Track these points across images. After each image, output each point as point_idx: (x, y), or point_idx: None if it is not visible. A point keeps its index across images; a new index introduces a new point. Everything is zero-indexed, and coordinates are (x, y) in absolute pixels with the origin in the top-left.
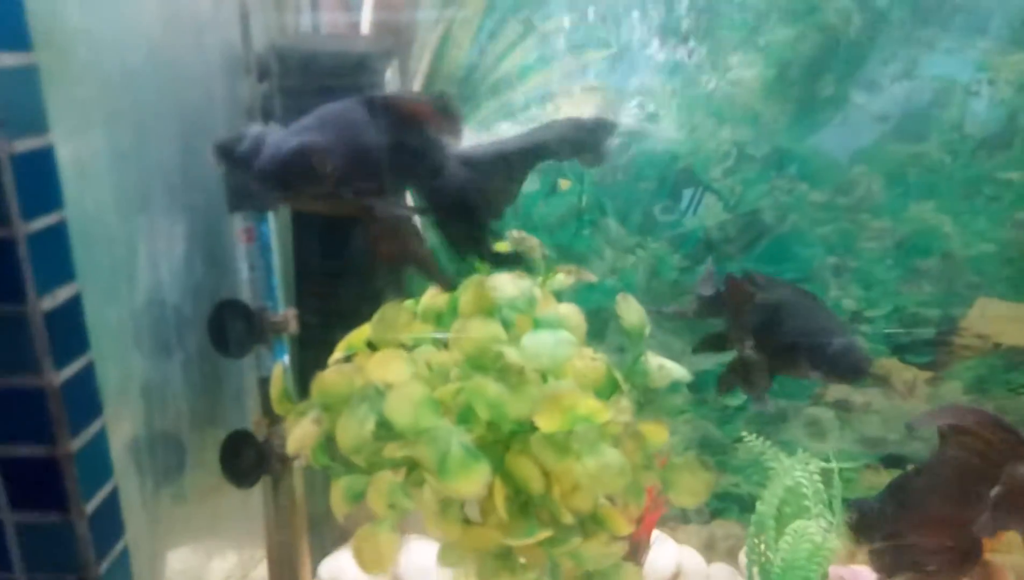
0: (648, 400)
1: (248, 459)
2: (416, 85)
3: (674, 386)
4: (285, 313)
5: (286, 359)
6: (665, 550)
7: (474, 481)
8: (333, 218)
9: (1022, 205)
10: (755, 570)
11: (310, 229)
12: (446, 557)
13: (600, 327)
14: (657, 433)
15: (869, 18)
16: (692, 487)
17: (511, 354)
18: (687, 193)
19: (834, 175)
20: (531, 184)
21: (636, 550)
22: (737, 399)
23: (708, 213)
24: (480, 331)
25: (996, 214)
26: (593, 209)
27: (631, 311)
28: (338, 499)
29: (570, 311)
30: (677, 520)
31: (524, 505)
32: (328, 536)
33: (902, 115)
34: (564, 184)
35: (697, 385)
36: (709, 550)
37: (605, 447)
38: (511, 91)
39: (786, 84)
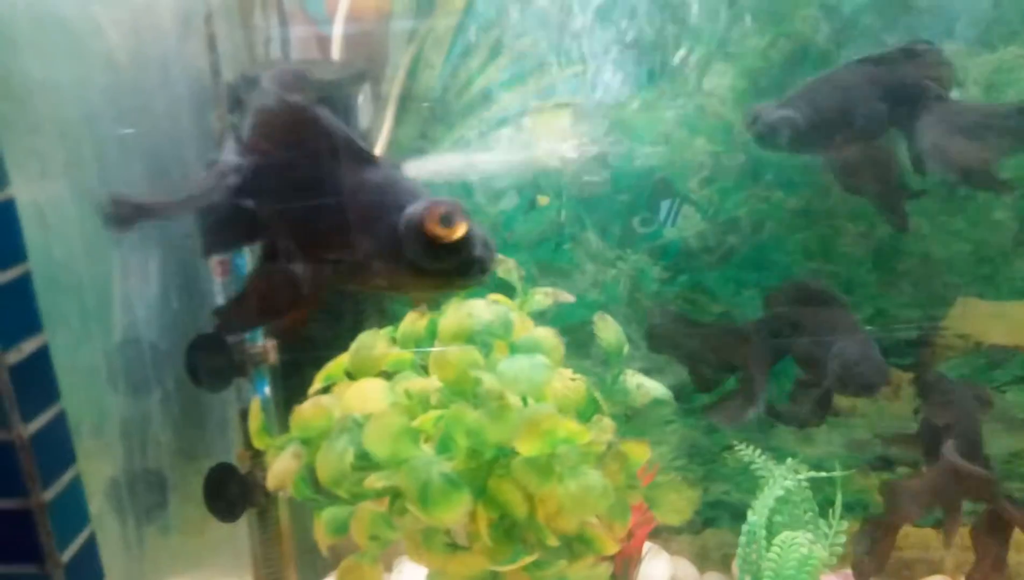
0: (636, 413)
1: (232, 492)
2: (390, 107)
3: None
4: (264, 344)
5: (267, 390)
6: (658, 562)
7: (455, 509)
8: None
9: (997, 204)
10: (746, 578)
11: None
12: None
13: (585, 341)
14: (639, 452)
15: (837, 25)
16: (676, 505)
17: (488, 380)
18: (665, 204)
19: (809, 182)
20: (510, 201)
21: (627, 565)
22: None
23: (686, 223)
24: (458, 357)
25: (972, 214)
26: (572, 223)
27: (609, 330)
28: (321, 531)
29: (546, 334)
30: (670, 531)
31: (509, 530)
32: (315, 567)
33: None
34: (543, 200)
35: (684, 395)
36: (702, 559)
37: (587, 469)
38: (485, 110)
39: (758, 93)
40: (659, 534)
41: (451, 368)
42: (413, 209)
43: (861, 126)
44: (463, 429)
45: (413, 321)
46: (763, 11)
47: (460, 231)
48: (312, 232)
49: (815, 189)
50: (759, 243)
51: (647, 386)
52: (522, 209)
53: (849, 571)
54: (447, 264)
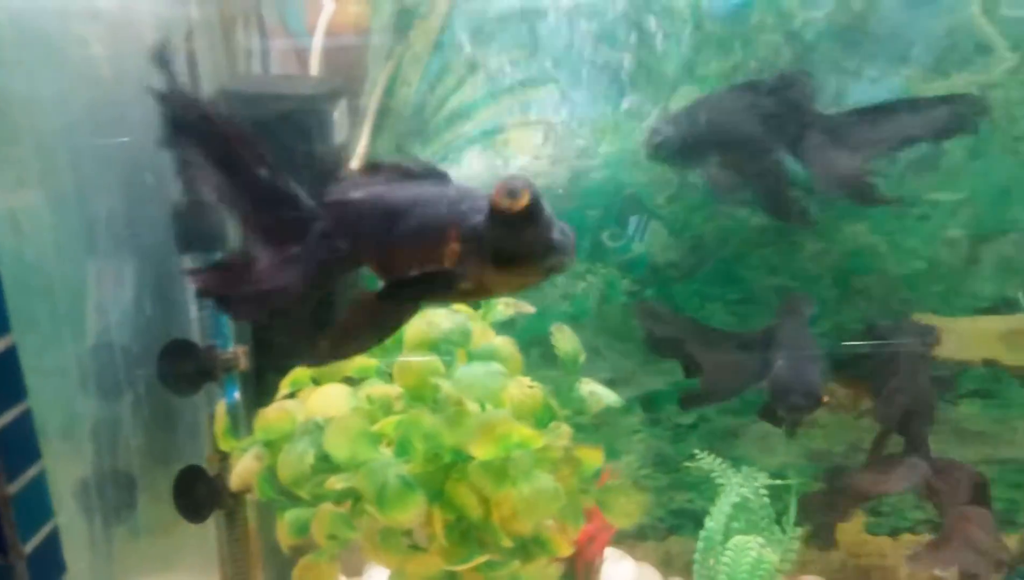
0: (603, 422)
1: (200, 494)
2: (367, 122)
3: (628, 405)
4: (235, 350)
5: (237, 396)
6: (622, 568)
7: (410, 510)
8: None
9: (951, 223)
10: None
11: None
12: None
13: (553, 352)
14: (592, 457)
15: (798, 50)
16: (626, 508)
17: (446, 386)
18: (633, 220)
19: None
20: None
21: (588, 570)
22: (690, 417)
23: (654, 238)
24: (419, 365)
25: (926, 233)
26: None
27: (566, 340)
28: (284, 531)
29: (504, 343)
30: (635, 538)
31: (465, 531)
32: (282, 568)
33: None
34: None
35: (650, 404)
36: (666, 566)
37: (540, 473)
38: (461, 126)
39: None
40: (625, 541)
41: (412, 375)
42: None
43: (741, 144)
44: (420, 433)
45: None
46: (728, 35)
47: (524, 200)
48: (401, 257)
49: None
50: (724, 258)
51: (599, 394)
52: None
53: (804, 578)
54: (524, 243)
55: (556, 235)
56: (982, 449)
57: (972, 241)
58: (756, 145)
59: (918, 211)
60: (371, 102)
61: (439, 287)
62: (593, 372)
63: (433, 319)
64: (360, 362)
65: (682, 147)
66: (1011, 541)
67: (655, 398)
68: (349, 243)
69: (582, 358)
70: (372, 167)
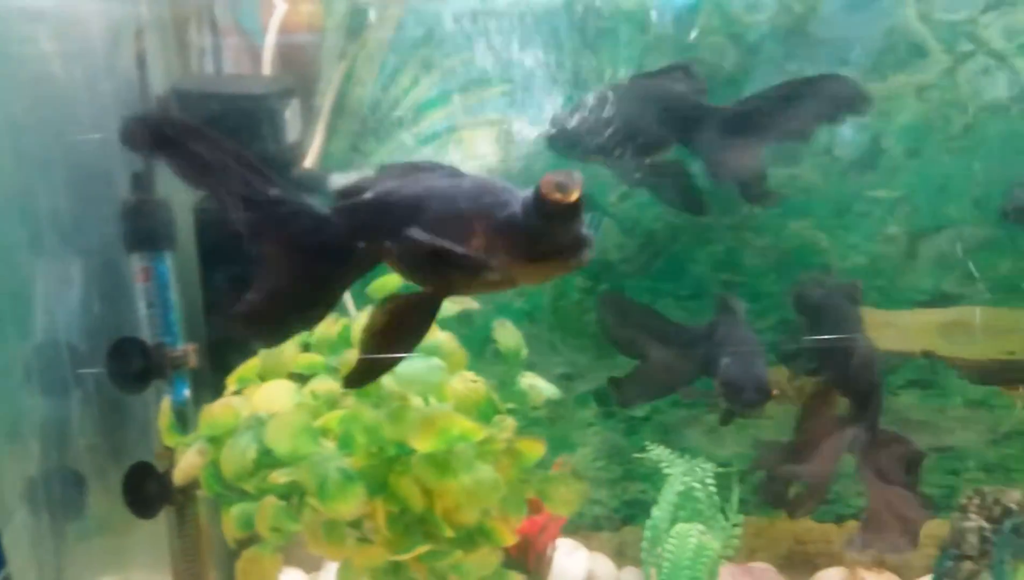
0: (558, 415)
1: (150, 490)
2: (321, 121)
3: (582, 399)
4: (185, 348)
5: (187, 393)
6: (576, 558)
7: (350, 502)
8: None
9: (890, 220)
10: (652, 571)
11: (219, 261)
12: (345, 577)
13: None
14: (533, 449)
15: (742, 52)
16: (566, 497)
17: (387, 381)
18: (586, 218)
19: (719, 198)
20: None
21: (539, 560)
22: (642, 410)
23: (607, 236)
24: None
25: (867, 229)
26: None
27: (508, 336)
28: (229, 525)
29: (446, 339)
30: (589, 529)
31: (409, 523)
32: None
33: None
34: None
35: (604, 398)
36: (620, 556)
37: (480, 464)
38: (416, 125)
39: None
40: (580, 531)
41: None
42: (530, 192)
43: (635, 136)
44: (361, 427)
45: (327, 326)
46: (675, 38)
47: (575, 194)
48: (428, 252)
49: (724, 205)
50: (674, 255)
51: (539, 387)
52: None
53: (751, 565)
54: (562, 236)
55: (586, 230)
56: (921, 437)
57: (910, 237)
58: (649, 136)
59: (859, 208)
60: (325, 101)
61: (466, 272)
62: (548, 367)
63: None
64: (307, 359)
65: (578, 139)
66: (943, 526)
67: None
68: (368, 242)
69: (524, 353)
70: (384, 168)
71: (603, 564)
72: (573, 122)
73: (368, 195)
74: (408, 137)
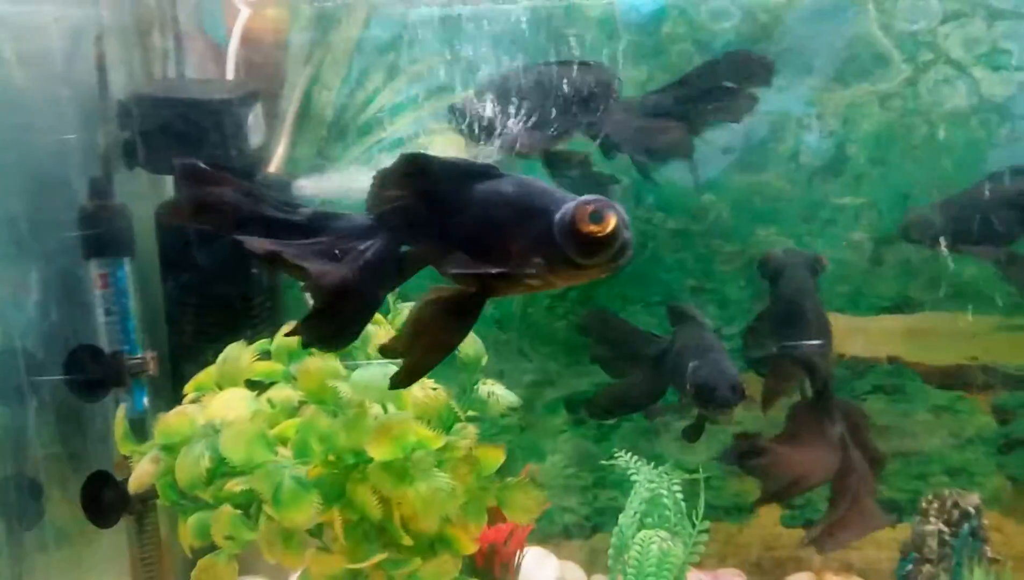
0: (529, 422)
1: (108, 499)
2: (286, 126)
3: (553, 406)
4: (144, 356)
5: (146, 401)
6: (546, 566)
7: (305, 511)
8: (206, 253)
9: (855, 226)
10: (618, 579)
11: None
12: None
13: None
14: (492, 456)
15: (708, 59)
16: (524, 504)
17: (343, 388)
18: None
19: (686, 204)
20: None
21: (505, 569)
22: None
23: None
24: (319, 367)
25: (832, 235)
26: None
27: (467, 343)
28: (186, 533)
29: None
30: (560, 536)
31: (368, 531)
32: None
33: (744, 148)
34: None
35: (575, 406)
36: (591, 563)
37: (437, 472)
38: (382, 130)
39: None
40: (551, 539)
41: (312, 378)
42: (563, 214)
43: (540, 121)
44: (316, 435)
45: (286, 334)
46: (642, 45)
47: (611, 225)
48: (464, 258)
49: (692, 211)
50: (643, 261)
51: (499, 394)
52: None
53: (720, 571)
54: (604, 256)
55: (626, 233)
56: (888, 442)
57: (875, 244)
58: (554, 121)
59: (825, 215)
60: (290, 106)
61: (507, 278)
62: (519, 374)
63: None
64: (266, 366)
65: (480, 122)
66: (905, 530)
67: (580, 399)
68: (412, 247)
69: (484, 360)
70: (420, 164)
71: (573, 572)
72: (476, 106)
73: (409, 200)
74: (374, 142)
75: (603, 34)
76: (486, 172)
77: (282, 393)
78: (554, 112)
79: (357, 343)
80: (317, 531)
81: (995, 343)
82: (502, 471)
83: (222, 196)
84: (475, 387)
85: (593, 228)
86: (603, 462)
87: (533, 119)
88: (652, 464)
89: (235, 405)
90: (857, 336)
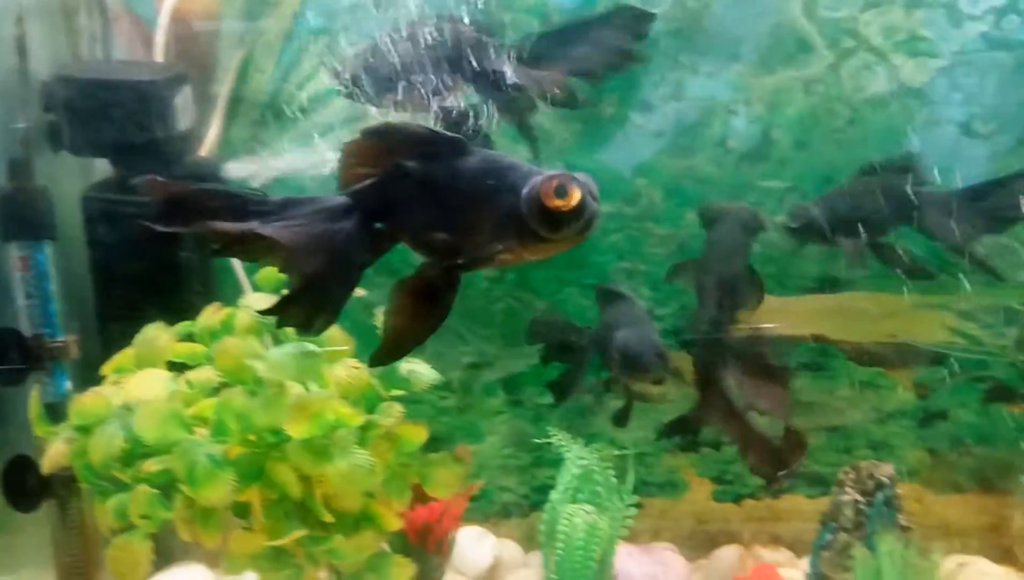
0: (467, 405)
1: (30, 484)
2: (218, 109)
3: (490, 388)
4: (65, 339)
5: (67, 385)
6: (483, 545)
7: (220, 489)
8: (135, 236)
9: (780, 210)
10: (550, 554)
11: (108, 251)
12: (230, 566)
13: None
14: (414, 433)
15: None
16: (445, 480)
17: (259, 367)
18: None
19: (620, 188)
20: None
21: (440, 546)
22: (550, 398)
23: None
24: (236, 347)
25: None
26: None
27: None
28: (105, 515)
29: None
30: (499, 516)
31: (289, 509)
32: None
33: (674, 132)
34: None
35: (512, 387)
36: (530, 541)
37: (356, 449)
38: (317, 114)
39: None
40: (490, 519)
41: (229, 358)
42: (529, 189)
43: (420, 81)
44: (232, 414)
45: (210, 315)
46: None
47: (575, 199)
48: (438, 234)
49: (626, 195)
50: (577, 244)
51: (419, 372)
52: None
53: (652, 545)
54: (572, 229)
55: (593, 205)
56: (813, 418)
57: None
58: (434, 81)
59: (752, 198)
60: (223, 89)
61: (477, 254)
62: (456, 356)
63: (250, 303)
64: (187, 347)
65: (364, 83)
66: (824, 502)
67: (517, 380)
68: (384, 225)
69: None
70: (380, 133)
71: (511, 550)
72: (357, 68)
73: (381, 177)
74: (310, 125)
75: (537, 19)
76: (456, 147)
77: (201, 374)
78: (432, 69)
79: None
80: (243, 511)
81: (912, 321)
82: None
83: (189, 198)
84: (395, 365)
85: (558, 202)
86: (536, 441)
87: (412, 77)
88: (587, 442)
89: (151, 385)
90: (783, 316)
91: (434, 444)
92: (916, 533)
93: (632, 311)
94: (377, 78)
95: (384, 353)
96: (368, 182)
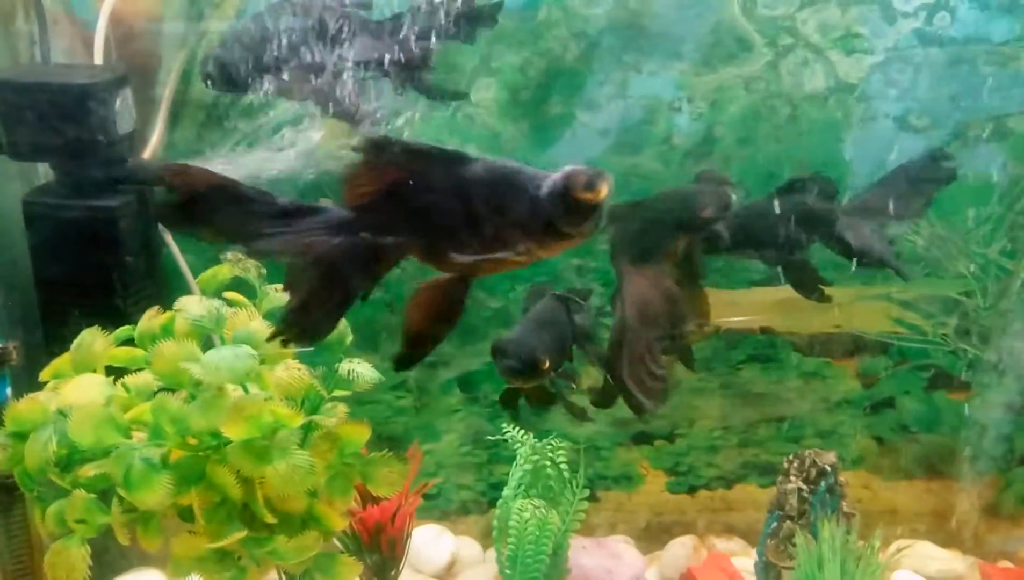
0: (424, 404)
1: None
2: (162, 111)
3: (447, 386)
4: (5, 345)
5: (8, 391)
6: (441, 542)
7: (156, 492)
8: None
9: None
10: (501, 549)
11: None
12: (176, 569)
13: (373, 337)
14: (356, 433)
15: (584, 45)
16: (388, 478)
17: (195, 370)
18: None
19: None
20: None
21: (393, 545)
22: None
23: None
24: (172, 351)
25: None
26: None
27: None
28: (47, 521)
29: (262, 327)
30: (457, 513)
31: (231, 511)
32: None
33: (620, 130)
34: (326, 202)
35: (468, 385)
36: (488, 537)
37: (296, 450)
38: (262, 115)
39: (519, 105)
40: (448, 516)
41: (165, 362)
42: (554, 185)
43: (285, 62)
44: (167, 417)
45: (149, 319)
46: (520, 30)
47: (604, 192)
48: (453, 240)
49: None
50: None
51: (359, 371)
52: None
53: (608, 538)
54: (592, 222)
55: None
56: (763, 409)
57: None
58: (300, 64)
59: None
60: (166, 91)
61: (491, 268)
62: None
63: (184, 306)
64: (125, 352)
65: (232, 71)
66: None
67: (473, 378)
68: (392, 238)
69: (348, 339)
70: (379, 147)
71: (469, 547)
72: (225, 55)
73: (387, 192)
74: (255, 127)
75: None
76: (458, 157)
77: (139, 378)
78: (308, 50)
79: (212, 325)
80: (188, 515)
81: (856, 312)
82: (398, 451)
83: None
84: (337, 365)
85: (588, 196)
86: (490, 438)
87: (289, 62)
88: (540, 437)
89: (87, 390)
90: (731, 309)
91: (391, 444)
92: (858, 519)
93: (543, 312)
94: (236, 63)
95: (406, 356)
96: (373, 197)
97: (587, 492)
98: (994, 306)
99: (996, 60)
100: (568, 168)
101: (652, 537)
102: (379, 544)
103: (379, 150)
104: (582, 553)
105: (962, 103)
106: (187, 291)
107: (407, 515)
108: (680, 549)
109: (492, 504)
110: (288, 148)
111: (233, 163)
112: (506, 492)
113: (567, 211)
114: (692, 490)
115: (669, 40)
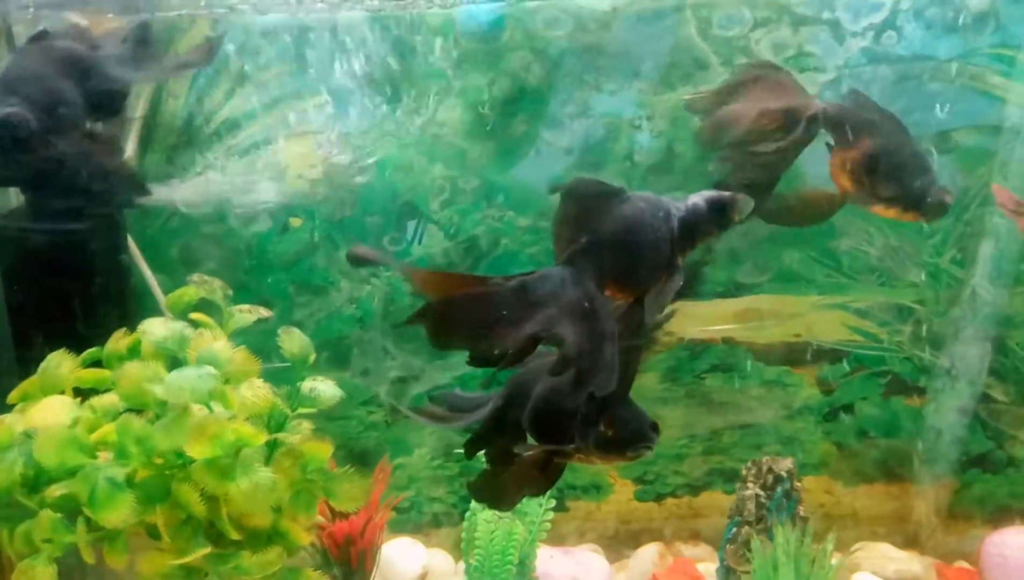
0: (396, 418)
1: None
2: (132, 135)
3: (418, 401)
4: None
5: None
6: (414, 555)
7: (120, 510)
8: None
9: None
10: (469, 560)
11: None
12: None
13: (343, 355)
14: (319, 450)
15: (546, 66)
16: (350, 494)
17: (157, 390)
18: (411, 225)
19: (535, 202)
20: (263, 224)
21: (362, 558)
22: None
23: (432, 241)
24: (136, 372)
25: None
26: (326, 244)
27: (293, 342)
28: (15, 541)
29: (224, 348)
30: (430, 526)
31: (196, 528)
32: None
33: (583, 148)
34: (295, 222)
35: (439, 399)
36: (459, 549)
37: (258, 467)
38: (232, 138)
39: (484, 124)
40: (422, 530)
41: (130, 382)
42: (704, 199)
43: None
44: (131, 437)
45: (116, 341)
46: (484, 52)
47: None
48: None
49: (541, 209)
50: (496, 258)
51: (319, 389)
52: (275, 231)
53: (576, 548)
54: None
55: None
56: (726, 417)
57: None
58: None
59: None
60: (136, 114)
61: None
62: (384, 371)
63: (148, 328)
64: (92, 374)
65: None
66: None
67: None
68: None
69: (311, 357)
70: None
71: (441, 559)
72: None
73: (591, 237)
74: (225, 149)
75: (447, 41)
76: (622, 193)
77: (104, 399)
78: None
79: (176, 346)
80: (156, 532)
81: (814, 321)
82: (370, 466)
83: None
84: (299, 383)
85: (737, 217)
86: (459, 451)
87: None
88: None
89: (53, 412)
90: (694, 320)
91: (363, 458)
92: (813, 523)
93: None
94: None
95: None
96: (582, 245)
97: (553, 503)
98: (945, 313)
99: (942, 76)
100: (714, 195)
101: (620, 545)
102: (348, 557)
103: (575, 198)
104: (549, 562)
105: (910, 118)
106: (159, 311)
107: (376, 528)
108: (647, 556)
109: (464, 516)
110: (255, 171)
111: (201, 185)
112: (473, 504)
113: (714, 226)
114: (659, 498)
115: (629, 60)
